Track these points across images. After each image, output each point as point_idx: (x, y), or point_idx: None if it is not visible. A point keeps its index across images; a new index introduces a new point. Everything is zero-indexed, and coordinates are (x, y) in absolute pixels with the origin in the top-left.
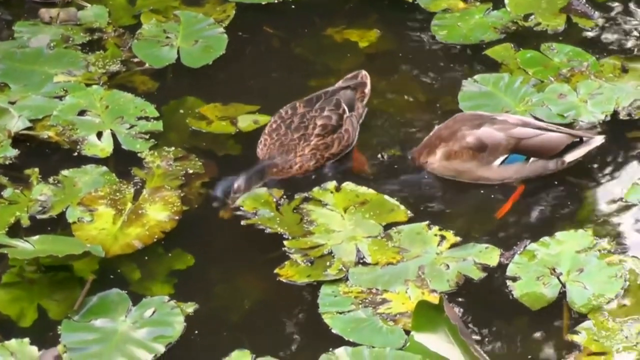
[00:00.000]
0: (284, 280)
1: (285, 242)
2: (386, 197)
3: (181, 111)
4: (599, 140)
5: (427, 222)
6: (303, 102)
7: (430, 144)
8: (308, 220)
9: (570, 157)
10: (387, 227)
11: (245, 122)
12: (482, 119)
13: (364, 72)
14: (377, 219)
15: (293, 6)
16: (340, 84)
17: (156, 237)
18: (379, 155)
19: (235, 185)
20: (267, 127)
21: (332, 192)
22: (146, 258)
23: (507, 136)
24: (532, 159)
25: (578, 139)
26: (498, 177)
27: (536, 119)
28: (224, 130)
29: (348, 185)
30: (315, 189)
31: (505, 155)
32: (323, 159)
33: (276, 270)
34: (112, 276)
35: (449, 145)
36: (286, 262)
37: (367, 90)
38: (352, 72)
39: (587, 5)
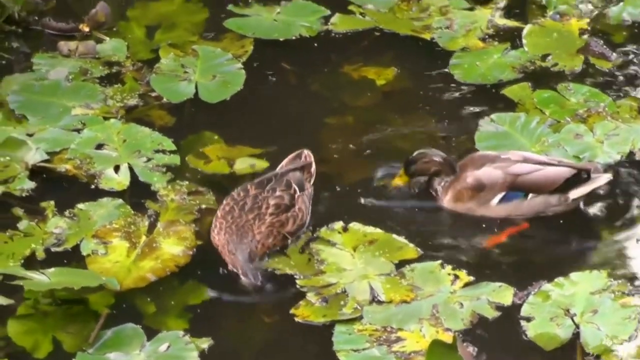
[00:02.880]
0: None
1: (297, 282)
2: (394, 235)
3: (199, 146)
4: (605, 178)
5: (439, 261)
6: (254, 185)
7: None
8: (318, 260)
9: (574, 194)
10: (398, 265)
11: (243, 165)
12: (486, 160)
13: (307, 152)
14: (387, 257)
15: (310, 43)
16: (286, 164)
17: (170, 270)
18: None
19: (247, 282)
20: (219, 211)
21: (339, 232)
22: (161, 291)
23: (504, 174)
24: (530, 195)
25: (585, 175)
26: (497, 215)
27: None
28: (218, 171)
29: (355, 225)
30: (323, 229)
31: (503, 193)
32: (280, 235)
33: (292, 311)
34: (126, 309)
35: (455, 187)
36: (301, 302)
37: (313, 169)
38: (294, 152)
39: (604, 46)
